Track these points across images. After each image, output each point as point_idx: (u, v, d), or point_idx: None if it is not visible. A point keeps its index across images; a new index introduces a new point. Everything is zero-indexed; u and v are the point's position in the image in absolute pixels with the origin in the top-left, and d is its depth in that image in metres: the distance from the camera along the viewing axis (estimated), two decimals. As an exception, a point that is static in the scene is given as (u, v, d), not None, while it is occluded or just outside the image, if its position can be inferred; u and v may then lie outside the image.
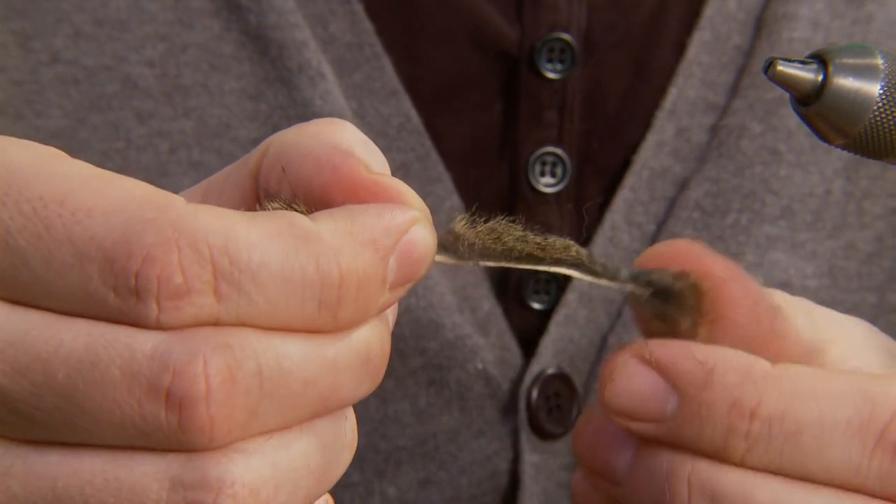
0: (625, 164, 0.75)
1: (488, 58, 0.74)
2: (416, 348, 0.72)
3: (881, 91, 0.45)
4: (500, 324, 0.74)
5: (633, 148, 0.75)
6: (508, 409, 0.74)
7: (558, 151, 0.73)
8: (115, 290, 0.38)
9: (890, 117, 0.45)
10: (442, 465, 0.74)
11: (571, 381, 0.74)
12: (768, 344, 0.46)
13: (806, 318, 0.47)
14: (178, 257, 0.38)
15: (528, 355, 0.74)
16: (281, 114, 0.72)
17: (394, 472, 0.73)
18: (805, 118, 0.46)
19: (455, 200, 0.73)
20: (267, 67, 0.72)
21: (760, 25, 0.75)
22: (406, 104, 0.73)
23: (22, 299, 0.39)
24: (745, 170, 0.74)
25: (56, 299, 0.38)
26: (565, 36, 0.73)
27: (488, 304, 0.74)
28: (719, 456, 0.44)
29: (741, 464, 0.44)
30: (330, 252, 0.39)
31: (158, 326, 0.38)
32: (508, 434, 0.74)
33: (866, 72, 0.45)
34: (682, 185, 0.74)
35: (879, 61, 0.45)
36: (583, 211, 0.74)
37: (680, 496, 0.45)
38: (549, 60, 0.73)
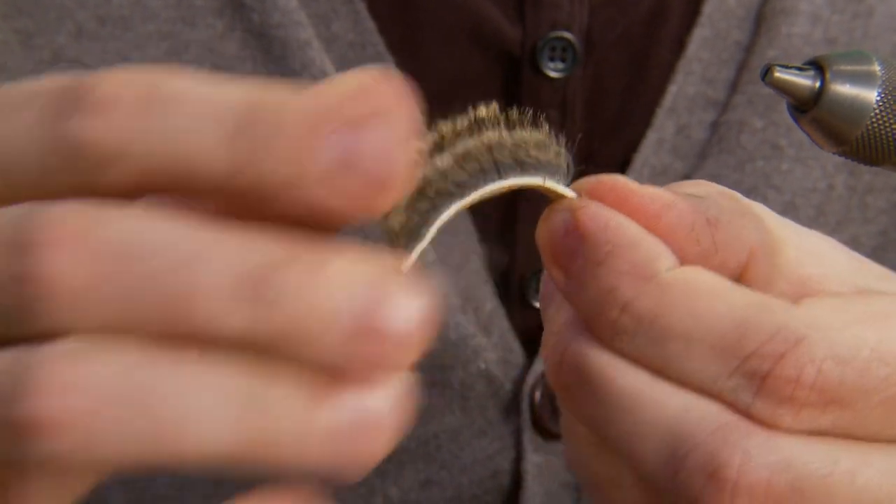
0: (625, 162, 0.75)
1: (490, 57, 0.74)
2: None
3: (878, 98, 0.45)
4: (502, 324, 0.74)
5: (634, 146, 0.75)
6: (511, 408, 0.74)
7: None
8: None
9: (887, 124, 0.45)
10: (444, 466, 0.74)
11: None
12: (710, 257, 0.45)
13: (760, 224, 0.47)
14: None
15: (531, 355, 0.74)
16: None
17: (395, 472, 0.74)
18: (802, 124, 0.46)
19: (456, 200, 0.74)
20: (270, 66, 0.72)
21: (760, 21, 0.75)
22: None
23: None
24: (745, 165, 0.74)
25: None
26: (567, 35, 0.73)
27: (491, 304, 0.74)
28: (594, 332, 0.44)
29: (610, 346, 0.44)
30: (267, 87, 0.37)
31: None
32: (511, 434, 0.74)
33: (864, 78, 0.45)
34: None
35: (877, 68, 0.45)
36: None
37: (553, 360, 0.45)
38: (551, 59, 0.73)
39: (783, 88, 0.45)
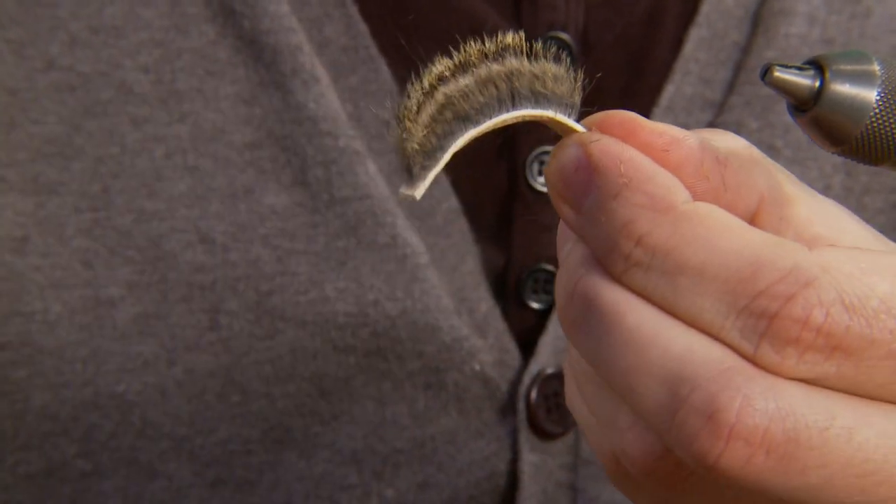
0: None
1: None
2: (413, 351, 0.72)
3: (878, 97, 0.45)
4: (498, 325, 0.74)
5: None
6: (507, 409, 0.74)
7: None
8: None
9: (887, 124, 0.45)
10: (440, 468, 0.74)
11: None
12: (720, 196, 0.45)
13: (773, 175, 0.47)
14: None
15: (527, 355, 0.74)
16: (275, 118, 0.72)
17: (392, 474, 0.73)
18: (801, 124, 0.46)
19: (453, 201, 0.73)
20: (261, 72, 0.72)
21: (757, 21, 0.75)
22: None
23: None
24: None
25: None
26: (563, 35, 0.73)
27: (486, 305, 0.74)
28: (605, 266, 0.44)
29: (620, 280, 0.44)
30: None
31: None
32: (507, 435, 0.74)
33: (863, 78, 0.45)
34: None
35: (876, 68, 0.45)
36: None
37: (563, 297, 0.46)
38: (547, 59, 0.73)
39: (783, 88, 0.45)
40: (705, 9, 0.75)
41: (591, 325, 0.45)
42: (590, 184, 0.44)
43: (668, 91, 0.74)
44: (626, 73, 0.75)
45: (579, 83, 0.45)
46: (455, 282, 0.73)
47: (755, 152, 0.47)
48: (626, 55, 0.75)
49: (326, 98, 0.71)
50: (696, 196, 0.45)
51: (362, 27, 0.73)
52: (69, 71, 0.72)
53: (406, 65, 0.73)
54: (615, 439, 0.46)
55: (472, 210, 0.74)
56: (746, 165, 0.46)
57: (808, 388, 0.43)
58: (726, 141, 0.47)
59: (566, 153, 0.45)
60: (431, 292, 0.72)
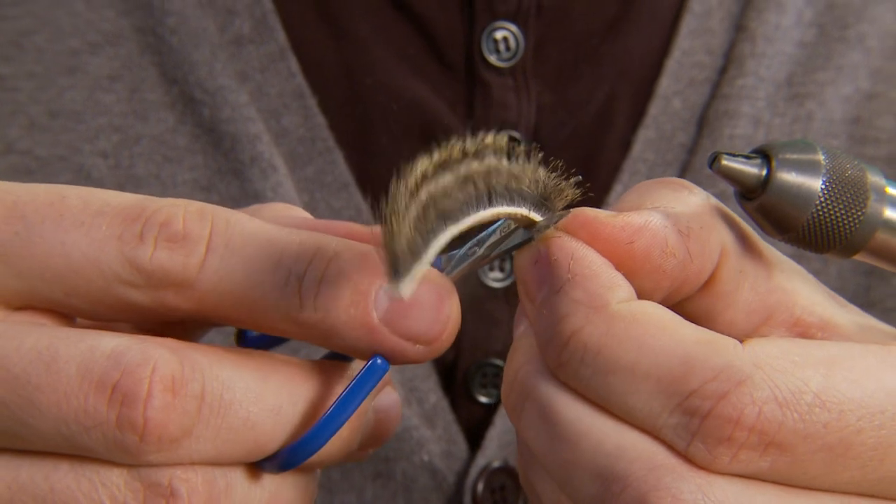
0: None
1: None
2: None
3: (823, 186, 0.45)
4: (446, 416, 0.74)
5: None
6: (454, 501, 0.74)
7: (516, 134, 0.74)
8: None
9: (832, 212, 0.46)
10: None
11: (517, 474, 0.74)
12: (687, 266, 0.46)
13: (733, 233, 0.48)
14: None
15: (474, 448, 0.74)
16: (232, 205, 0.72)
17: None
18: (749, 211, 0.46)
19: (405, 293, 0.74)
20: (220, 159, 0.73)
21: (703, 123, 0.76)
22: (357, 197, 0.73)
23: None
24: None
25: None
26: (515, 133, 0.74)
27: (435, 396, 0.74)
28: (543, 359, 0.45)
29: (557, 376, 0.45)
30: (322, 237, 0.44)
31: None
32: None
33: (809, 167, 0.45)
34: None
35: (821, 157, 0.46)
36: None
37: (505, 385, 0.47)
38: None
39: (730, 176, 0.45)
40: (653, 111, 0.76)
41: (528, 416, 0.45)
42: (545, 278, 0.45)
43: (617, 191, 0.75)
44: (577, 171, 0.76)
45: (557, 182, 0.46)
46: (405, 373, 0.73)
47: (713, 210, 0.48)
48: (576, 154, 0.76)
49: (284, 187, 0.72)
50: (666, 272, 0.46)
51: (320, 119, 0.74)
52: (27, 154, 0.72)
53: (362, 157, 0.74)
54: None
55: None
56: (707, 227, 0.47)
57: (740, 485, 0.43)
58: (686, 199, 0.47)
59: (529, 249, 0.46)
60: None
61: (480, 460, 0.73)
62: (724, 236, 0.47)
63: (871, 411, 0.43)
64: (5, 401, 0.42)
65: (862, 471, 0.43)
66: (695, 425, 0.42)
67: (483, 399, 0.75)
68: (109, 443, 0.42)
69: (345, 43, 0.74)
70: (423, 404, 0.73)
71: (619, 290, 0.44)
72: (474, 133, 0.73)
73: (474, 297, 0.74)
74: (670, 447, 0.43)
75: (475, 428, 0.75)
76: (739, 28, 0.76)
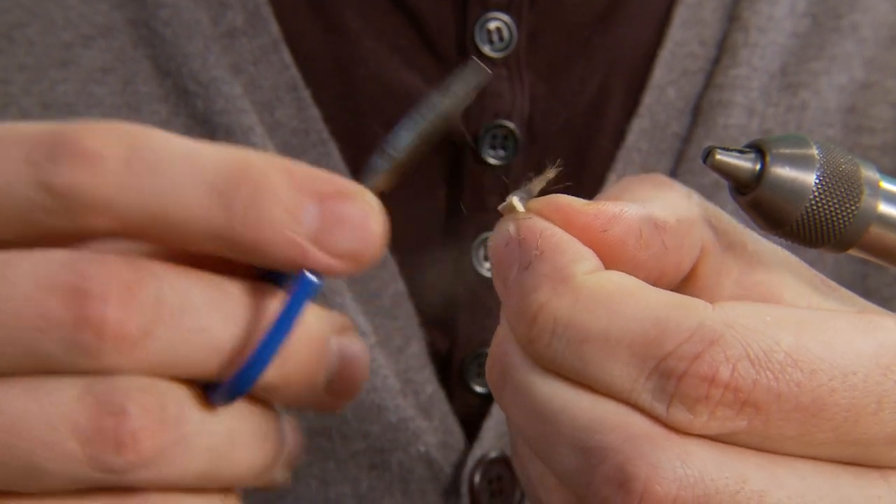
0: None
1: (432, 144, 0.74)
2: (358, 431, 0.73)
3: (817, 181, 0.45)
4: (442, 407, 0.74)
5: None
6: (451, 492, 0.74)
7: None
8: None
9: (825, 206, 0.46)
10: None
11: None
12: (663, 258, 0.46)
13: (715, 230, 0.48)
14: None
15: (471, 439, 0.74)
16: None
17: None
18: (742, 206, 0.47)
19: (400, 285, 0.74)
20: None
21: (697, 112, 0.76)
22: None
23: None
24: None
25: None
26: (508, 124, 0.74)
27: (431, 387, 0.74)
28: (516, 338, 0.45)
29: (529, 353, 0.45)
30: (242, 151, 0.43)
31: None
32: None
33: (802, 162, 0.46)
34: None
35: (815, 152, 0.46)
36: None
37: (489, 364, 0.47)
38: (493, 147, 0.74)
39: (724, 171, 0.46)
40: (647, 100, 0.76)
41: (507, 394, 0.46)
42: (514, 257, 0.46)
43: (611, 180, 0.76)
44: (571, 161, 0.76)
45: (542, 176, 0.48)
46: (401, 363, 0.74)
47: (694, 206, 0.48)
48: (570, 144, 0.76)
49: None
50: (641, 262, 0.46)
51: (314, 111, 0.74)
52: None
53: (356, 149, 0.74)
54: (545, 499, 0.47)
55: (418, 294, 0.75)
56: (685, 224, 0.47)
57: (719, 450, 0.43)
58: (667, 195, 0.48)
59: (501, 230, 0.47)
60: (378, 373, 0.72)
61: (477, 451, 0.74)
62: (704, 233, 0.48)
63: (842, 371, 0.43)
64: None
65: (835, 433, 0.43)
66: (671, 386, 0.43)
67: (479, 389, 0.75)
68: (67, 344, 0.41)
69: (337, 35, 0.74)
70: (419, 395, 0.73)
71: (584, 262, 0.45)
72: (468, 122, 0.74)
73: (468, 286, 0.75)
74: (648, 414, 0.43)
75: (472, 418, 0.75)
76: (732, 18, 0.76)
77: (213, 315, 0.43)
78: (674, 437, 0.43)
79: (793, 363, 0.43)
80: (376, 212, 0.45)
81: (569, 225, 0.46)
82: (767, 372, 0.43)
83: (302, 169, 0.44)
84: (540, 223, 0.46)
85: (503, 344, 0.46)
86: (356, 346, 0.47)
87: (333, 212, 0.44)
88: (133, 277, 0.42)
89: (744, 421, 0.43)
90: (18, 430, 0.42)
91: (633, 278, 0.45)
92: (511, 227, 0.46)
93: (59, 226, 0.42)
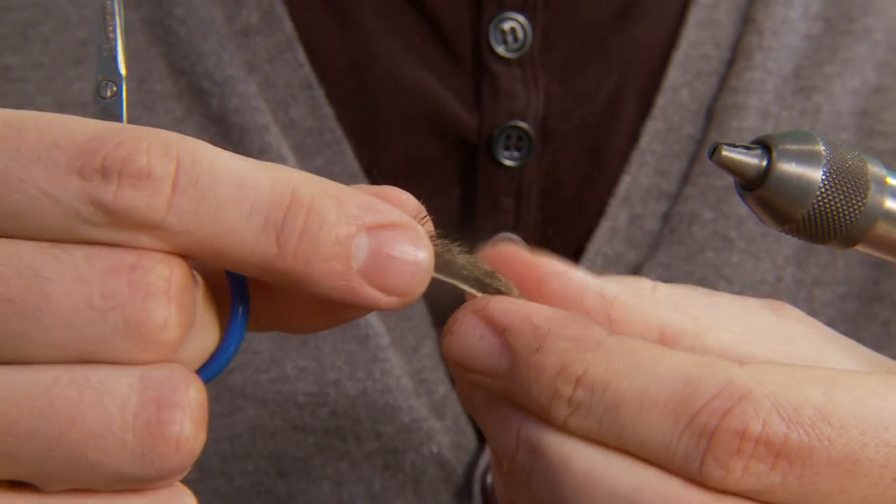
0: (579, 250, 0.76)
1: (447, 144, 0.75)
2: (371, 431, 0.73)
3: (823, 177, 0.45)
4: (455, 407, 0.74)
5: (588, 234, 0.76)
6: (463, 493, 0.74)
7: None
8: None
9: (832, 203, 0.46)
10: None
11: None
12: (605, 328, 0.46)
13: (681, 314, 0.48)
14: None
15: (483, 439, 0.74)
16: None
17: None
18: (749, 203, 0.47)
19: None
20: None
21: (711, 115, 0.76)
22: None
23: None
24: (696, 256, 0.75)
25: None
26: (522, 124, 0.74)
27: (444, 387, 0.74)
28: (545, 417, 0.45)
29: (564, 428, 0.45)
30: (292, 176, 0.42)
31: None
32: None
33: (809, 158, 0.45)
34: (635, 271, 0.75)
35: (821, 148, 0.46)
36: None
37: (508, 448, 0.46)
38: (507, 148, 0.74)
39: (730, 167, 0.46)
40: (661, 102, 0.76)
41: (539, 473, 0.45)
42: (502, 346, 0.45)
43: (625, 181, 0.76)
44: (585, 163, 0.76)
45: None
46: (414, 363, 0.74)
47: (660, 297, 0.48)
48: (584, 145, 0.76)
49: None
50: None
51: (328, 110, 0.74)
52: None
53: (370, 148, 0.75)
54: None
55: (431, 294, 0.75)
56: (641, 304, 0.48)
57: None
58: (634, 283, 0.48)
59: (462, 327, 0.46)
60: (392, 373, 0.72)
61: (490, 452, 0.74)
62: (666, 318, 0.48)
63: (874, 426, 0.43)
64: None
65: (875, 490, 0.43)
66: (704, 443, 0.43)
67: None
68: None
69: (352, 33, 0.74)
70: (433, 395, 0.73)
71: (599, 327, 0.45)
72: (483, 123, 0.74)
73: None
74: (685, 472, 0.43)
75: None
76: (746, 21, 0.76)
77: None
78: (713, 496, 0.43)
79: (822, 418, 0.43)
80: (426, 246, 0.44)
81: (507, 272, 0.46)
82: (798, 426, 0.43)
83: (353, 197, 0.43)
84: (512, 304, 0.46)
85: (525, 424, 0.46)
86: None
87: (384, 245, 0.43)
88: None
89: (777, 476, 0.43)
90: (71, 421, 0.41)
91: (648, 341, 0.45)
92: (474, 320, 0.46)
93: (102, 238, 0.41)
